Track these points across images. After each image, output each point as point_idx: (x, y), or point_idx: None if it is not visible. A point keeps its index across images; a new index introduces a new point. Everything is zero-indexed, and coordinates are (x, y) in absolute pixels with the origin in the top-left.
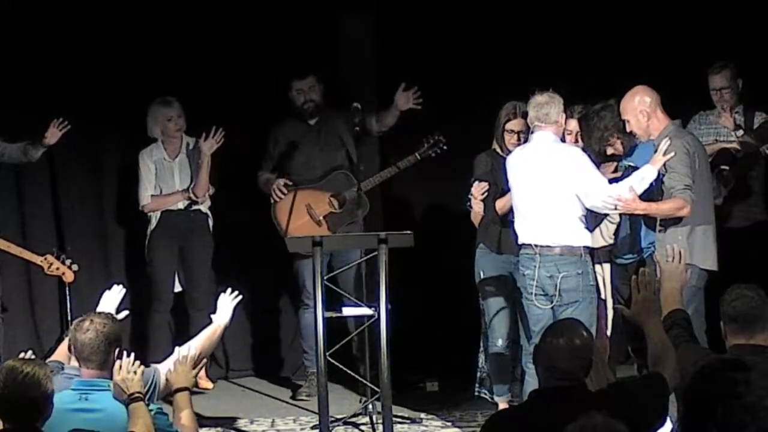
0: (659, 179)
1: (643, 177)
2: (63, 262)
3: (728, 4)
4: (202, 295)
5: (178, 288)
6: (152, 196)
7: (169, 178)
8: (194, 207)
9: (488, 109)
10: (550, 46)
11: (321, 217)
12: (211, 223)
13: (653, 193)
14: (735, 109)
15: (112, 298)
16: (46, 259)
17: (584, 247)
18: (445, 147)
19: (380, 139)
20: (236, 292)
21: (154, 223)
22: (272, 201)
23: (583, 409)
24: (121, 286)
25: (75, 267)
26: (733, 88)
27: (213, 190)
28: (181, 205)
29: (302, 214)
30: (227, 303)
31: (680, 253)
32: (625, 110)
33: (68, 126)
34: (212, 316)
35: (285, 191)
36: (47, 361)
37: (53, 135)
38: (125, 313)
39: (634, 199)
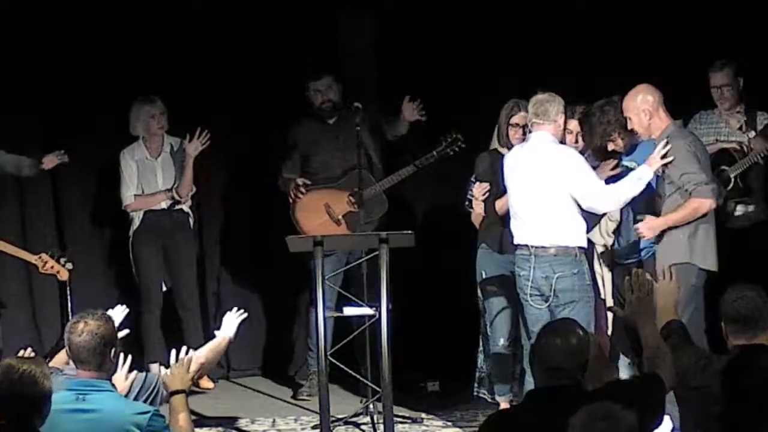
0: (658, 180)
1: (640, 177)
2: (58, 261)
3: (728, 4)
4: (190, 294)
5: (164, 287)
6: (135, 195)
7: (151, 177)
8: (177, 207)
9: (489, 108)
10: (550, 46)
11: (340, 216)
12: (192, 222)
13: (653, 194)
14: (736, 108)
15: (115, 317)
16: (40, 258)
17: (579, 247)
18: (463, 145)
19: (382, 144)
20: (242, 310)
21: (137, 223)
22: (291, 200)
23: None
24: (124, 306)
25: (69, 266)
26: (734, 86)
27: (194, 190)
28: (164, 205)
29: (321, 214)
30: (233, 320)
31: (672, 272)
32: (627, 108)
33: (66, 159)
34: (216, 331)
35: (304, 191)
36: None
37: (50, 162)
38: (126, 332)
39: (653, 220)
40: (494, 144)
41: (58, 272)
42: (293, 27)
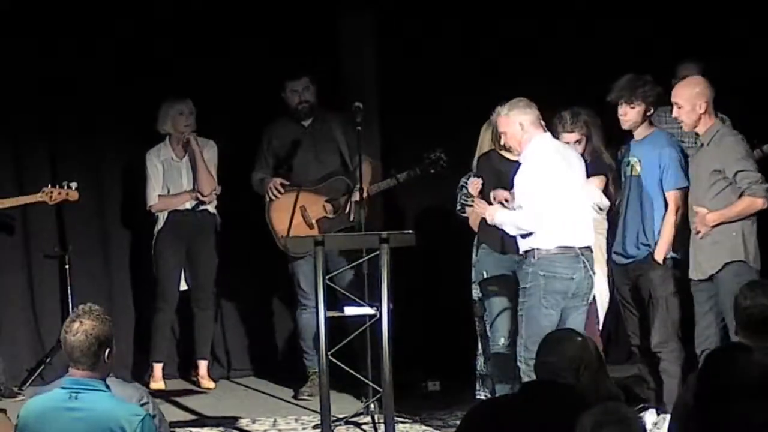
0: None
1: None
2: (62, 187)
3: (728, 4)
4: (207, 295)
5: (183, 287)
6: (159, 196)
7: (176, 177)
8: (201, 207)
9: (488, 108)
10: (550, 46)
11: (314, 221)
12: (218, 222)
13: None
14: None
15: None
16: (44, 192)
17: None
18: (444, 165)
19: (382, 144)
20: None
21: (161, 223)
22: (267, 199)
23: (570, 406)
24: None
25: (74, 185)
26: None
27: (220, 190)
28: (188, 206)
29: (296, 216)
30: None
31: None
32: (680, 95)
33: None
34: None
35: (282, 190)
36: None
37: None
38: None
39: (707, 215)
40: (485, 147)
41: (68, 195)
42: (293, 27)
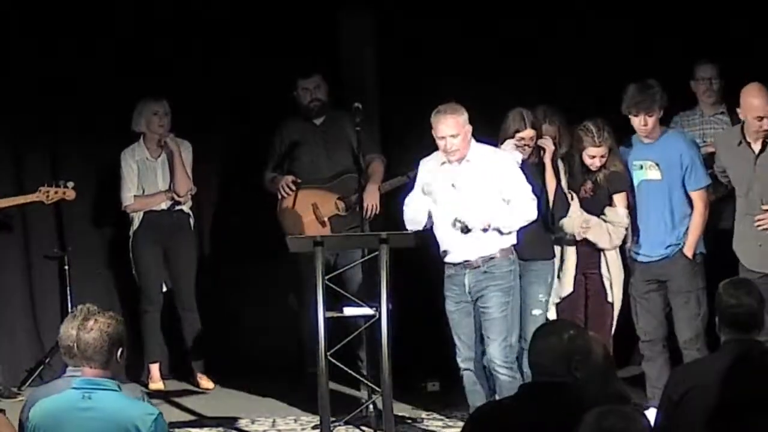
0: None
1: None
2: (58, 186)
3: (729, 4)
4: (190, 295)
5: (164, 288)
6: (135, 196)
7: (152, 177)
8: (177, 207)
9: (489, 109)
10: (550, 46)
11: (326, 218)
12: (192, 222)
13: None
14: (719, 107)
15: None
16: (40, 191)
17: None
18: None
19: (384, 145)
20: None
21: (136, 223)
22: (279, 197)
23: (567, 408)
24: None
25: (71, 184)
26: (720, 82)
27: (195, 190)
28: (164, 206)
29: (308, 213)
30: None
31: None
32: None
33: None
34: None
35: (293, 188)
36: None
37: None
38: None
39: None
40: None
41: (65, 194)
42: (293, 27)
